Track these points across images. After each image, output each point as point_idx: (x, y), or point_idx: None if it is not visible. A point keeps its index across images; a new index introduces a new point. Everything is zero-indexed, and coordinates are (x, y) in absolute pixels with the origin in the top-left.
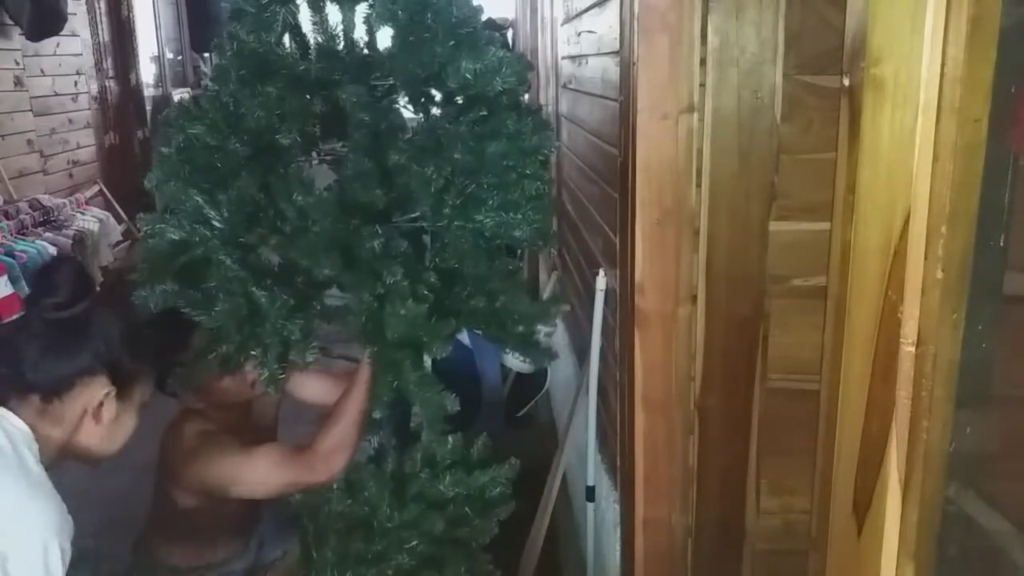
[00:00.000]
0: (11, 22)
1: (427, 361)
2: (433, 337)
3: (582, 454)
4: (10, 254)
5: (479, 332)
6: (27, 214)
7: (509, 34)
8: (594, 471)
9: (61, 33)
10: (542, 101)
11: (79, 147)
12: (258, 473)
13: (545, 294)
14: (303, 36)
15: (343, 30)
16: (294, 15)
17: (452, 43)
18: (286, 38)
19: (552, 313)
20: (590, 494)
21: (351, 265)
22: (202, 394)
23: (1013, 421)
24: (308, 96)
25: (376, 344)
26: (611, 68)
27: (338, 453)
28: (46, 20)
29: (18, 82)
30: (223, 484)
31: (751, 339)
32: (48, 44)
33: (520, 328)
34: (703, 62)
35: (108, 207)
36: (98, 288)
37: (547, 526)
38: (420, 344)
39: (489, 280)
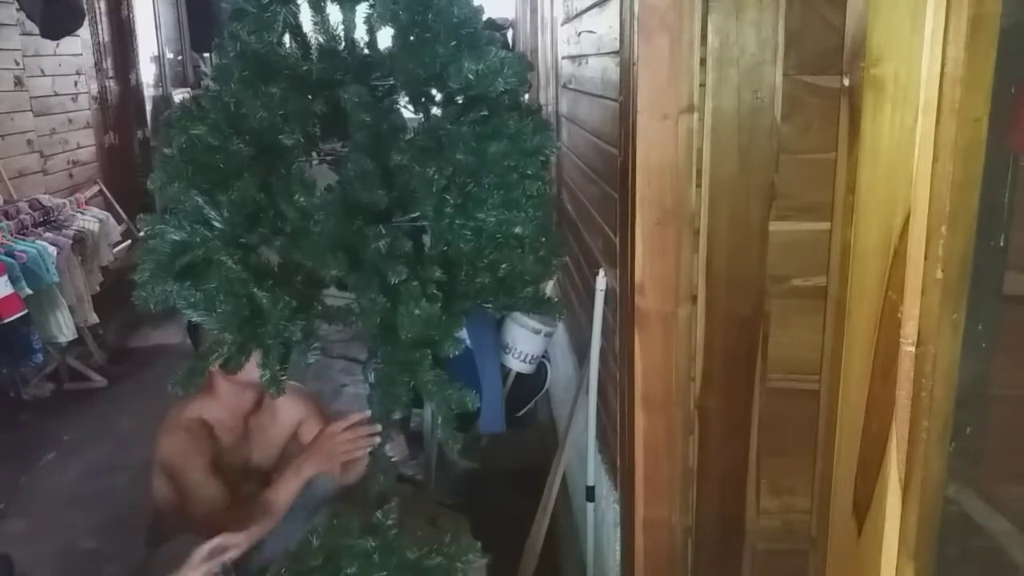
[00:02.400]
0: (12, 22)
1: None
2: (445, 335)
3: (582, 454)
4: (10, 254)
5: (489, 305)
6: (27, 214)
7: (509, 34)
8: (594, 471)
9: None
10: (542, 101)
11: (79, 147)
12: (191, 488)
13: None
14: (304, 36)
15: (344, 30)
16: (295, 15)
17: (453, 43)
18: (287, 38)
19: (553, 267)
20: (590, 494)
21: (356, 265)
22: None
23: (1013, 421)
24: (310, 96)
25: (389, 345)
26: (611, 68)
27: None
28: (65, 18)
29: (18, 82)
30: (169, 467)
31: (751, 339)
32: (48, 44)
33: (528, 290)
34: (703, 62)
35: (108, 207)
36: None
37: (547, 526)
38: (433, 343)
39: (486, 253)
